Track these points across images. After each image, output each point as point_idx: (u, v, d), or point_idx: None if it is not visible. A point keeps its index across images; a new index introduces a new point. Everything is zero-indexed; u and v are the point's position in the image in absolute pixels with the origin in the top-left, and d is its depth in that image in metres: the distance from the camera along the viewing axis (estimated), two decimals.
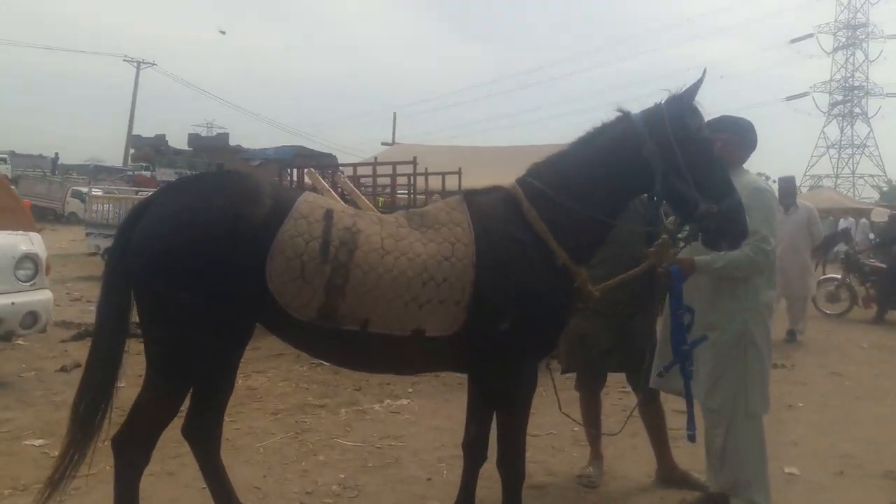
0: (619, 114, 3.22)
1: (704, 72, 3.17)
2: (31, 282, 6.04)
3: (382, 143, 29.69)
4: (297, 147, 20.27)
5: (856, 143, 71.37)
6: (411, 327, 2.87)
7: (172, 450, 4.17)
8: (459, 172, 14.11)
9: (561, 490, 4.31)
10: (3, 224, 6.03)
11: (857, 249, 13.02)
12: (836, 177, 69.84)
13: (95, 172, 39.98)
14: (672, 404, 4.41)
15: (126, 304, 2.95)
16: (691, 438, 3.61)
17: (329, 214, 2.90)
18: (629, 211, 3.39)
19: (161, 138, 60.86)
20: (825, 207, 22.33)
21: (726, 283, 3.60)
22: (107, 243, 12.87)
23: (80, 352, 7.19)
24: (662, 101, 3.17)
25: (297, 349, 3.38)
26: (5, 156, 35.26)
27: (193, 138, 61.68)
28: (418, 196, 13.29)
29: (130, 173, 40.01)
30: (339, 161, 17.95)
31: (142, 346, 2.94)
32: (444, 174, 14.11)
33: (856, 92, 71.15)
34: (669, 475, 4.34)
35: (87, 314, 9.05)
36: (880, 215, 22.82)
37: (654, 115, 3.14)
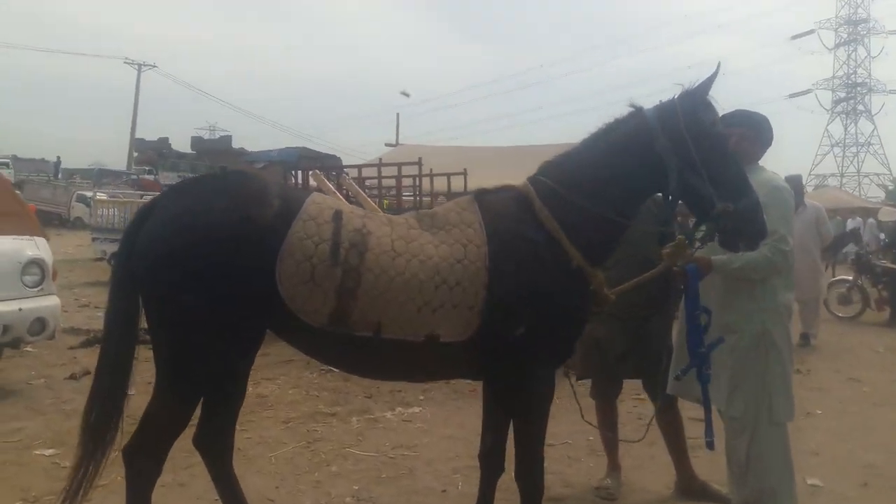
0: (631, 109, 3.14)
1: (718, 66, 3.08)
2: (38, 287, 6.00)
3: (386, 144, 29.76)
4: (300, 149, 20.08)
5: (860, 141, 71.12)
6: (425, 332, 2.80)
7: (184, 460, 4.12)
8: (465, 173, 14.07)
9: (579, 502, 4.24)
10: (9, 229, 5.99)
11: (867, 250, 12.88)
12: (842, 175, 69.59)
13: (99, 176, 40.02)
14: (689, 412, 4.34)
15: (134, 310, 2.91)
16: (710, 446, 3.51)
17: (338, 216, 2.84)
18: (642, 211, 3.32)
19: (164, 141, 60.77)
20: (832, 207, 22.19)
21: (743, 284, 3.50)
22: (113, 248, 12.83)
23: (90, 359, 7.15)
24: (675, 96, 3.09)
25: (307, 356, 3.32)
26: (7, 160, 35.24)
27: (196, 141, 61.61)
28: (424, 198, 13.26)
29: (135, 177, 39.99)
30: (343, 162, 17.82)
31: (151, 353, 2.89)
32: (449, 175, 14.07)
33: (859, 89, 70.86)
34: (689, 486, 4.26)
35: (96, 320, 8.99)
36: (889, 215, 22.63)
37: (667, 110, 3.06)
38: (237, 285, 2.70)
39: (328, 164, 15.60)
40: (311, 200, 2.89)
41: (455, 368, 3.17)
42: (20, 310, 5.77)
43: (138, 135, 54.38)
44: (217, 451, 3.29)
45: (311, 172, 12.01)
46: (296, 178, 13.12)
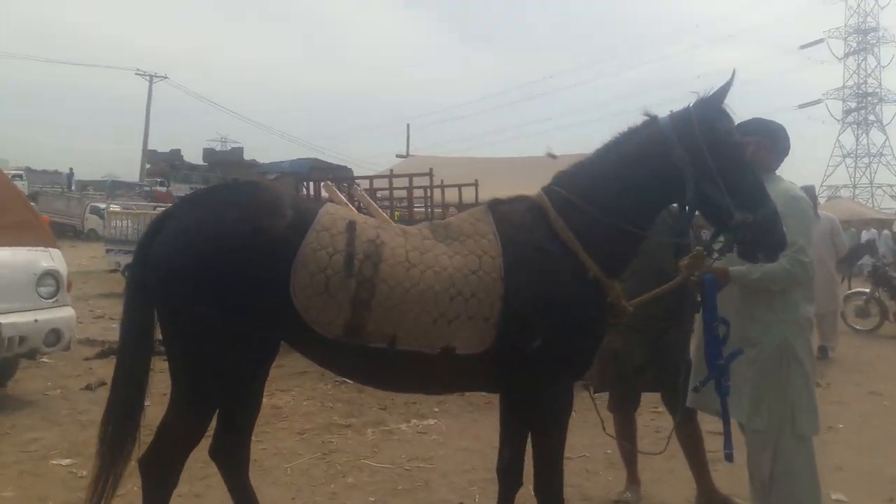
0: (645, 118, 3.10)
1: (734, 74, 3.03)
2: (54, 298, 6.02)
3: (397, 156, 29.81)
4: (312, 160, 20.12)
5: (872, 151, 70.60)
6: (440, 344, 2.78)
7: (199, 471, 4.11)
8: (476, 184, 14.07)
9: None
10: (24, 240, 6.01)
11: (884, 262, 12.76)
12: (854, 187, 69.05)
13: (113, 188, 40.29)
14: (708, 425, 4.28)
15: (149, 321, 2.90)
16: (729, 458, 3.44)
17: (352, 226, 2.83)
18: (657, 222, 3.27)
19: (176, 153, 61.19)
20: (845, 218, 22.01)
21: (762, 295, 3.45)
22: (127, 259, 12.88)
23: (105, 370, 7.19)
24: (690, 104, 3.05)
25: (322, 367, 3.30)
26: (21, 172, 35.51)
27: (208, 153, 62.02)
28: (435, 209, 13.26)
29: (147, 189, 40.25)
30: (354, 174, 17.86)
31: (166, 364, 2.89)
32: (460, 186, 14.08)
33: (869, 98, 70.31)
34: (710, 500, 4.20)
35: (110, 331, 9.05)
36: None
37: (682, 119, 3.02)
38: (251, 297, 2.69)
39: (340, 176, 15.63)
40: (324, 211, 2.88)
41: (471, 381, 3.13)
42: (36, 321, 5.78)
43: (150, 146, 54.79)
44: (233, 462, 3.27)
45: (322, 184, 12.03)
46: (307, 189, 13.14)
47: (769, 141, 3.56)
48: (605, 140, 3.16)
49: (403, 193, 12.90)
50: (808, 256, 3.39)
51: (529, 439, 3.17)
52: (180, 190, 35.50)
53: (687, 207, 3.02)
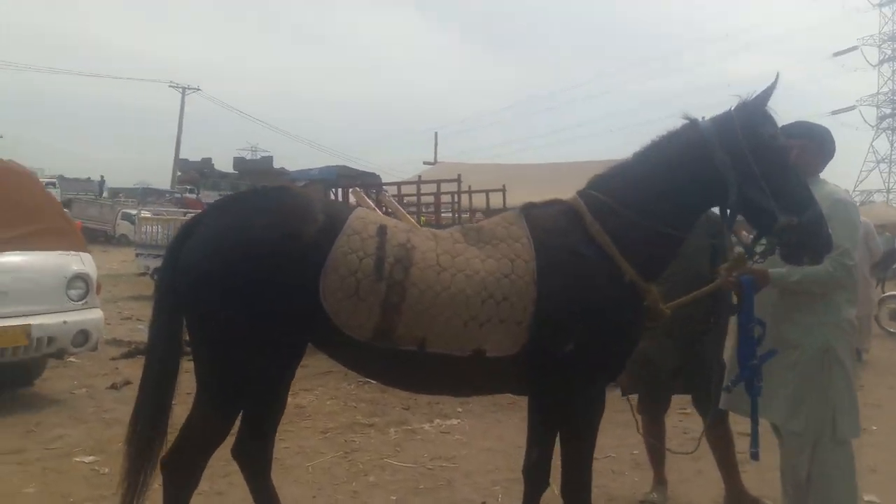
0: (685, 121, 3.05)
1: (777, 77, 2.98)
2: (83, 301, 6.12)
3: (424, 163, 29.87)
4: (340, 167, 20.26)
5: None
6: (471, 347, 2.74)
7: (221, 469, 4.10)
8: (504, 190, 14.03)
9: None
10: (56, 245, 6.13)
11: None
12: (888, 191, 67.67)
13: (144, 195, 40.95)
14: (737, 426, 4.17)
15: (177, 325, 2.90)
16: (754, 457, 3.36)
17: (383, 230, 2.81)
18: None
19: (207, 161, 62.09)
20: (879, 223, 21.58)
21: (803, 298, 3.37)
22: (156, 263, 13.05)
23: (131, 369, 7.29)
24: (732, 108, 3.00)
25: (350, 370, 3.26)
26: (54, 180, 36.18)
27: (239, 161, 62.84)
28: (462, 214, 13.24)
29: (178, 195, 40.83)
30: (382, 181, 17.93)
31: (191, 364, 2.89)
32: (488, 192, 14.04)
33: None
34: (739, 501, 4.10)
35: (137, 332, 9.15)
36: None
37: (724, 123, 2.96)
38: (280, 302, 2.67)
39: (368, 182, 15.69)
40: (355, 216, 2.85)
41: (501, 383, 3.07)
42: (65, 322, 5.88)
43: (182, 155, 55.53)
44: (256, 463, 3.25)
45: (351, 190, 12.09)
46: (336, 195, 13.19)
47: (814, 144, 3.49)
48: (643, 144, 3.10)
49: (431, 199, 12.90)
50: (853, 259, 3.30)
51: (557, 440, 3.10)
52: (210, 197, 35.97)
53: (729, 211, 2.97)
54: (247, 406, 2.99)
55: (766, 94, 2.95)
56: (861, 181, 69.27)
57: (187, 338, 2.92)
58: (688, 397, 4.35)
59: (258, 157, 66.74)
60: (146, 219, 16.87)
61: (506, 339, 2.74)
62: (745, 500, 4.10)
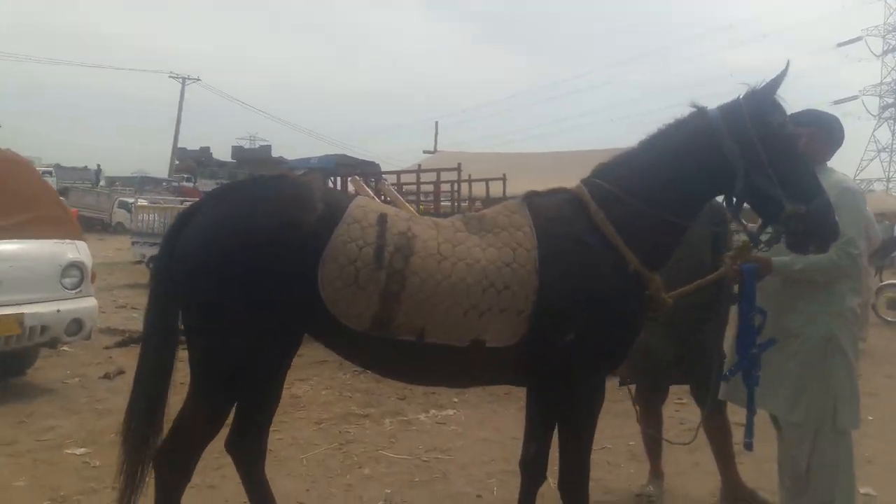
0: (693, 109, 3.00)
1: (787, 65, 2.93)
2: (77, 289, 6.08)
3: (424, 152, 29.76)
4: (339, 156, 20.11)
5: None
6: (470, 337, 2.69)
7: (214, 461, 4.05)
8: (504, 179, 13.98)
9: None
10: (51, 233, 6.09)
11: None
12: (888, 180, 67.69)
13: (142, 184, 40.82)
14: (735, 417, 4.13)
15: (173, 313, 2.85)
16: (748, 447, 3.33)
17: (383, 219, 2.76)
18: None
19: (206, 150, 61.86)
20: (878, 211, 21.55)
21: (805, 286, 3.32)
22: (152, 252, 13.02)
23: (124, 358, 7.25)
24: (741, 96, 2.95)
25: (347, 360, 3.21)
26: (50, 169, 36.00)
27: (237, 150, 62.63)
28: (462, 203, 13.20)
29: (175, 184, 40.72)
30: (381, 170, 17.86)
31: (186, 353, 2.83)
32: (487, 181, 13.99)
33: None
34: (735, 493, 4.06)
35: (132, 321, 9.11)
36: None
37: (732, 111, 2.92)
38: (278, 290, 2.63)
39: (367, 171, 15.62)
40: (355, 204, 2.81)
41: (500, 374, 3.02)
42: (58, 311, 5.85)
43: (181, 144, 55.36)
44: (249, 455, 3.21)
45: (350, 178, 12.03)
46: (335, 184, 13.14)
47: (823, 132, 3.45)
48: (648, 133, 3.05)
49: (430, 188, 12.85)
50: (858, 248, 3.25)
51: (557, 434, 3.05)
52: (207, 186, 35.89)
53: (735, 199, 2.92)
54: (241, 398, 2.93)
55: (776, 82, 2.90)
56: (862, 170, 69.28)
57: (182, 327, 2.87)
58: (684, 387, 4.31)
59: (256, 146, 66.51)
60: (143, 207, 16.86)
61: (506, 329, 2.70)
62: (741, 492, 4.06)
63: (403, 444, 5.07)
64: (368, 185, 11.13)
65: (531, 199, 2.99)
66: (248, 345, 2.69)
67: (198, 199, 5.18)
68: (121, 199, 31.79)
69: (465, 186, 13.66)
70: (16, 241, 5.78)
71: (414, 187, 13.57)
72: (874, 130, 70.53)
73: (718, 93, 3.05)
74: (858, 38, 69.17)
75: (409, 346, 2.70)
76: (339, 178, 13.69)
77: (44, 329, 5.75)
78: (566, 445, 2.97)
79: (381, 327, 2.67)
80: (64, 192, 28.65)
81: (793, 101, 3.02)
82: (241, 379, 2.78)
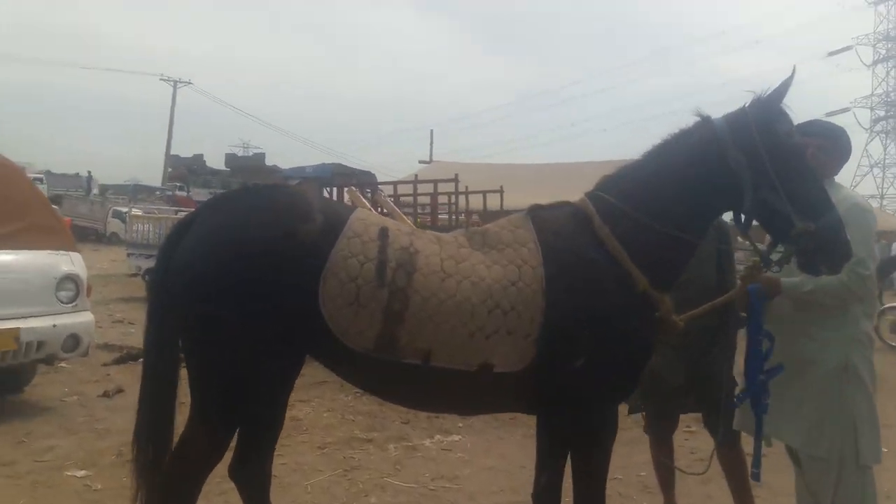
0: (697, 119, 2.91)
1: (794, 71, 2.83)
2: (73, 303, 5.95)
3: (420, 162, 29.77)
4: (335, 165, 20.05)
5: None
6: (478, 361, 2.60)
7: (217, 486, 3.97)
8: (501, 191, 13.94)
9: None
10: (44, 243, 5.95)
11: None
12: (882, 197, 67.66)
13: (135, 192, 40.61)
14: (749, 447, 4.04)
15: (172, 327, 2.75)
16: (755, 477, 3.27)
17: (384, 233, 2.67)
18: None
19: (199, 158, 61.59)
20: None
21: (819, 311, 3.20)
22: (148, 263, 12.88)
23: (123, 376, 7.16)
24: (746, 105, 2.86)
25: (349, 383, 3.13)
26: (41, 176, 35.68)
27: (230, 158, 62.34)
28: (459, 216, 13.13)
29: (169, 193, 40.52)
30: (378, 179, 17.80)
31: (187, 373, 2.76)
32: (485, 192, 13.94)
33: None
34: None
35: (130, 336, 9.01)
36: None
37: (737, 120, 2.82)
38: (277, 306, 2.54)
39: (363, 181, 15.56)
40: (355, 217, 2.72)
41: (509, 401, 2.93)
42: (54, 326, 5.72)
43: (173, 151, 55.14)
44: (254, 483, 3.12)
45: (346, 189, 11.95)
46: (330, 194, 13.06)
47: (830, 143, 3.30)
48: (652, 143, 2.97)
49: (427, 199, 12.78)
50: (869, 269, 3.13)
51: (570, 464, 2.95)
52: (201, 195, 35.71)
53: (744, 216, 2.83)
54: (242, 421, 2.84)
55: (783, 89, 2.80)
56: (855, 186, 69.27)
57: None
58: (693, 415, 4.23)
59: (250, 153, 66.22)
60: (137, 217, 16.68)
61: (513, 353, 2.61)
62: None
63: (409, 471, 4.99)
64: (365, 196, 11.05)
65: (535, 212, 2.91)
66: (247, 362, 2.60)
67: (192, 209, 5.09)
68: (115, 208, 31.60)
69: (462, 199, 13.61)
70: (8, 251, 5.62)
71: (410, 199, 13.51)
72: (866, 145, 70.57)
73: (711, 101, 2.98)
74: (849, 48, 69.22)
75: (415, 369, 2.61)
76: (335, 189, 13.61)
77: (40, 345, 5.62)
78: (579, 477, 2.87)
79: (384, 349, 2.58)
80: (57, 200, 28.44)
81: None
82: (241, 399, 2.68)
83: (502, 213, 11.40)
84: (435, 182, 13.06)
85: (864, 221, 3.18)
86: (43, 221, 6.13)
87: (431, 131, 43.39)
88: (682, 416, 4.34)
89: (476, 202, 14.10)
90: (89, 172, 46.43)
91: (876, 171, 69.98)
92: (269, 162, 55.02)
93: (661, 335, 2.89)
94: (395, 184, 14.39)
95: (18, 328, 5.44)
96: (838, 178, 3.42)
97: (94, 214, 32.53)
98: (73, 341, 5.87)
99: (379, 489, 4.61)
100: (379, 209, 10.24)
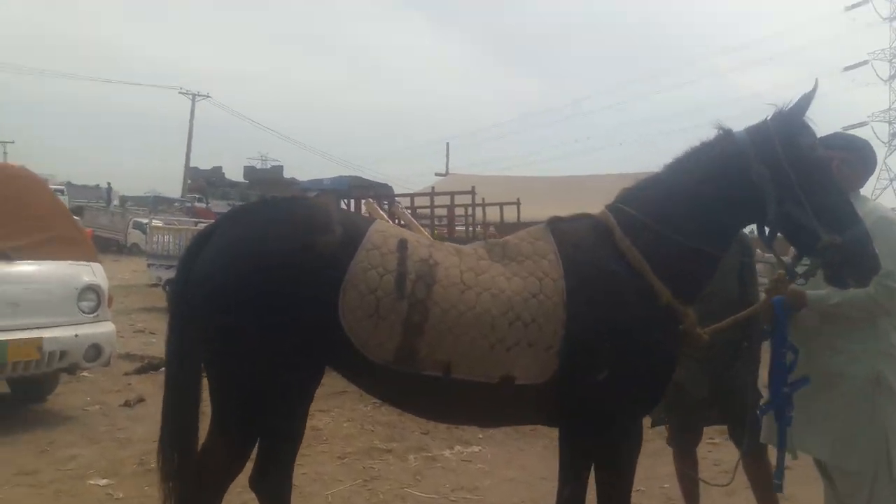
0: (719, 132, 2.89)
1: (816, 84, 2.82)
2: (94, 314, 6.01)
3: (436, 174, 29.86)
4: (353, 177, 20.18)
5: None
6: (499, 374, 2.59)
7: (237, 496, 3.93)
8: (518, 203, 13.95)
9: None
10: (66, 254, 6.02)
11: None
12: None
13: (155, 204, 40.97)
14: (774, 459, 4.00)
15: (192, 338, 2.76)
16: (778, 488, 3.24)
17: (403, 245, 2.67)
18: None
19: (217, 170, 62.33)
20: None
21: (846, 324, 3.15)
22: (168, 274, 12.97)
23: (144, 385, 7.20)
24: (768, 117, 2.84)
25: (369, 394, 3.12)
26: (62, 187, 36.09)
27: (249, 171, 63.04)
28: (476, 228, 13.16)
29: (189, 204, 40.86)
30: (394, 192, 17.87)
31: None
32: (502, 205, 13.95)
33: None
34: None
35: (151, 346, 9.05)
36: None
37: (760, 133, 2.80)
38: (296, 318, 2.55)
39: (380, 193, 15.63)
40: (374, 229, 2.72)
41: (529, 413, 2.92)
42: (76, 336, 5.77)
43: (193, 163, 55.62)
44: (274, 494, 3.10)
45: (363, 201, 12.01)
46: (348, 206, 13.13)
47: (854, 156, 3.26)
48: (675, 156, 2.95)
49: (444, 212, 12.82)
50: None
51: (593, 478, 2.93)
52: (219, 206, 36.00)
53: (767, 229, 2.81)
54: (262, 432, 2.84)
55: (805, 101, 2.78)
56: (875, 199, 68.33)
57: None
58: (717, 427, 4.19)
59: (268, 166, 66.86)
60: (158, 228, 16.82)
61: (535, 366, 2.60)
62: None
63: (429, 481, 4.97)
64: (381, 208, 11.10)
65: (555, 225, 2.89)
66: (264, 371, 2.60)
67: (211, 220, 5.11)
68: (135, 219, 31.87)
69: (479, 211, 13.63)
70: (31, 262, 5.70)
71: (427, 211, 13.54)
72: (885, 158, 69.95)
73: (728, 116, 2.93)
74: (865, 62, 68.94)
75: (435, 381, 2.60)
76: (352, 201, 13.68)
77: (62, 354, 5.67)
78: (603, 490, 2.84)
79: (404, 360, 2.58)
80: (78, 211, 28.74)
81: None
82: (260, 411, 2.68)
83: (520, 225, 11.43)
84: (452, 194, 13.09)
85: (891, 234, 3.13)
86: (65, 232, 6.22)
87: (448, 144, 43.52)
88: (705, 429, 4.30)
89: (493, 214, 14.12)
90: (109, 184, 46.98)
91: None
92: (286, 174, 55.54)
93: (685, 348, 2.87)
94: (411, 196, 14.45)
95: (41, 338, 5.50)
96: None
97: (115, 225, 32.85)
98: (94, 351, 5.92)
99: (399, 499, 4.60)
100: (396, 221, 10.27)
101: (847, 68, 71.14)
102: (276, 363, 2.60)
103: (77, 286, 5.89)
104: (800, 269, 2.94)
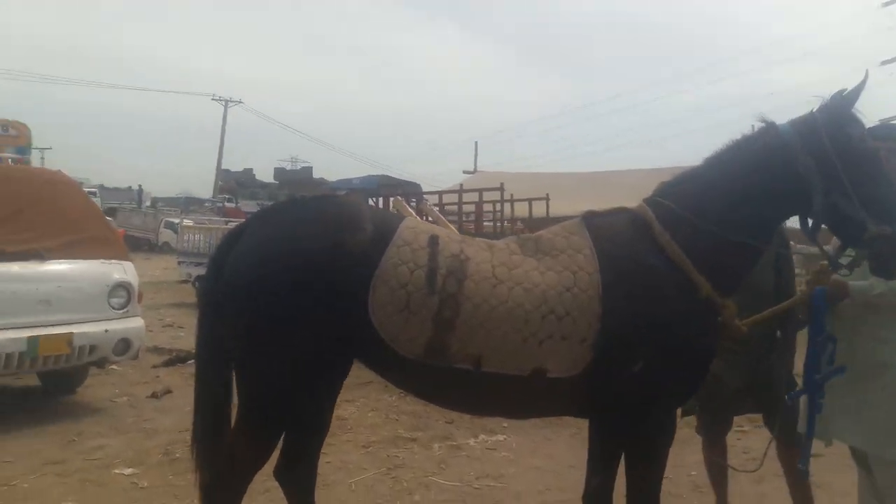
0: (762, 124, 2.83)
1: (866, 75, 2.75)
2: (124, 309, 6.13)
3: (464, 172, 29.80)
4: (381, 176, 20.25)
5: None
6: (530, 366, 2.56)
7: (261, 485, 3.92)
8: (547, 199, 13.83)
9: None
10: (99, 254, 6.18)
11: None
12: None
13: (187, 204, 41.57)
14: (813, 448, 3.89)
15: (222, 335, 2.78)
16: (804, 475, 3.19)
17: (434, 241, 2.65)
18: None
19: (248, 172, 62.97)
20: None
21: (889, 313, 3.06)
22: (198, 271, 13.14)
23: (171, 378, 7.28)
24: (814, 109, 2.77)
25: (399, 388, 3.10)
26: (95, 190, 36.75)
27: (279, 172, 63.60)
28: (504, 224, 13.07)
29: (219, 205, 41.39)
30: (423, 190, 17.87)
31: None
32: (530, 200, 13.85)
33: None
34: None
35: (179, 339, 9.15)
36: None
37: (806, 125, 2.74)
38: (325, 316, 2.55)
39: (409, 191, 15.62)
40: (405, 225, 2.71)
41: (561, 406, 2.87)
42: (106, 331, 5.90)
43: (224, 166, 56.20)
44: (299, 485, 3.11)
45: (392, 199, 12.01)
46: (377, 204, 13.14)
47: None
48: (713, 149, 2.90)
49: (472, 209, 12.76)
50: None
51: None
52: (248, 206, 36.40)
53: (811, 220, 2.74)
54: (289, 424, 2.84)
55: (855, 93, 2.71)
56: None
57: None
58: (746, 416, 4.09)
59: (298, 167, 67.34)
60: (188, 227, 17.04)
61: (568, 358, 2.56)
62: None
63: (454, 470, 4.93)
64: (410, 206, 11.09)
65: (590, 219, 2.84)
66: (296, 368, 2.61)
67: (241, 219, 5.16)
68: (167, 219, 32.34)
69: (507, 207, 13.54)
70: (64, 261, 5.87)
71: (455, 208, 13.50)
72: None
73: (765, 111, 2.86)
74: None
75: (466, 374, 2.58)
76: (380, 199, 13.69)
77: (92, 349, 5.80)
78: (635, 480, 2.79)
79: (435, 355, 2.56)
80: (111, 212, 29.25)
81: None
82: (287, 407, 2.70)
83: (548, 220, 11.33)
84: (480, 191, 13.03)
85: None
86: (98, 233, 6.39)
87: (476, 142, 43.69)
88: (735, 418, 4.21)
89: (521, 210, 14.02)
90: (140, 186, 47.78)
91: None
92: (316, 175, 55.84)
93: (723, 340, 2.82)
94: (439, 193, 14.41)
95: (72, 333, 5.63)
96: None
97: (147, 225, 33.39)
98: (123, 345, 6.04)
99: (423, 487, 4.57)
100: (424, 217, 10.26)
101: (884, 62, 69.93)
102: (304, 361, 2.61)
103: (108, 283, 6.03)
104: (843, 261, 2.87)
